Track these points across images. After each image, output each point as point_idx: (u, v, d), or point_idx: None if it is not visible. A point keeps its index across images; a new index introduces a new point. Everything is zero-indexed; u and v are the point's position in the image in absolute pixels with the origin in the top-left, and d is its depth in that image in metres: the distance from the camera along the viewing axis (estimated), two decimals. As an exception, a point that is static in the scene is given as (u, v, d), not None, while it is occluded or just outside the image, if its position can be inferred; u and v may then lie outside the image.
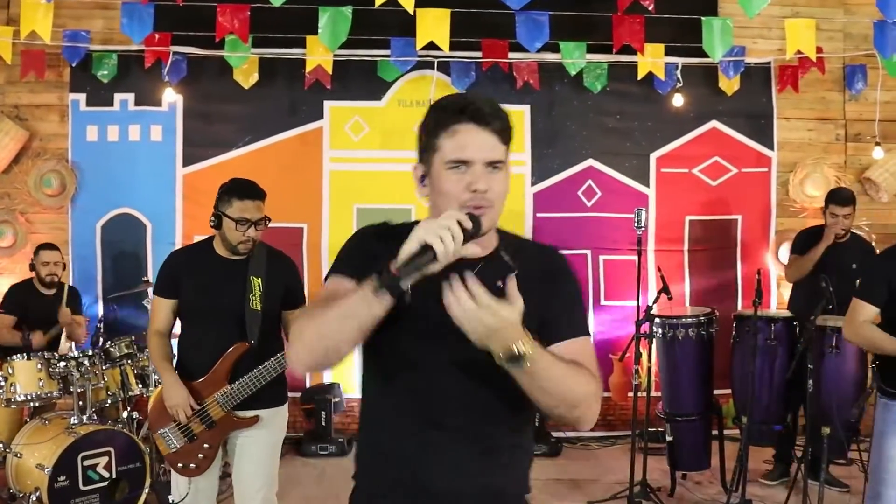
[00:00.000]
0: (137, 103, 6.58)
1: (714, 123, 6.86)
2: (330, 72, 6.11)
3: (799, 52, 5.51)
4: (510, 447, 1.90)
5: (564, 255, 2.01)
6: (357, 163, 6.73)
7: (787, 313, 5.44)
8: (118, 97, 6.56)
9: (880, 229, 6.86)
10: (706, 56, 6.05)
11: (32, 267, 5.67)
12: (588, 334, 1.93)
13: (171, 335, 3.71)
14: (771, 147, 6.92)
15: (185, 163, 6.63)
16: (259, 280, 3.56)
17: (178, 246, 6.59)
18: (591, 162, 6.84)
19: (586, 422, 1.80)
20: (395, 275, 1.62)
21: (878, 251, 5.57)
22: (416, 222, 1.80)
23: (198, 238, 6.49)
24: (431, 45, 5.87)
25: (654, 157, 6.87)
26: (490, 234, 1.88)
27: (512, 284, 1.64)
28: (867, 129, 6.90)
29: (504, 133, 1.84)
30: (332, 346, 1.76)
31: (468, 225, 1.67)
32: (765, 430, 5.21)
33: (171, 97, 6.32)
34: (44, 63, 6.23)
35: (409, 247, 1.65)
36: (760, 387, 5.08)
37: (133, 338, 5.48)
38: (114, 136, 6.59)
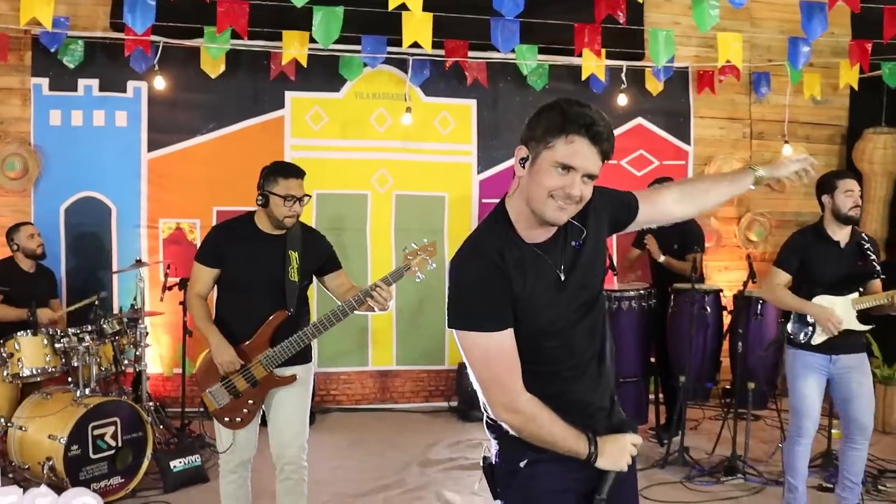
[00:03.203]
0: (102, 89, 6.73)
1: (640, 120, 7.65)
2: (305, 65, 6.46)
3: (728, 61, 6.31)
4: None
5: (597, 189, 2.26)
6: (317, 150, 7.11)
7: (716, 287, 6.25)
8: (82, 82, 6.68)
9: (778, 216, 7.87)
10: (634, 59, 6.80)
11: (16, 247, 5.78)
12: (632, 192, 2.46)
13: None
14: (688, 142, 7.78)
15: (150, 148, 6.83)
16: (296, 254, 3.90)
17: (143, 229, 6.82)
18: (531, 153, 7.46)
19: None
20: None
21: (703, 235, 6.41)
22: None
23: (163, 221, 6.82)
24: (391, 43, 6.44)
25: (588, 149, 7.55)
26: None
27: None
28: (769, 128, 7.89)
29: (607, 154, 2.05)
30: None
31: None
32: (698, 388, 6.00)
33: (160, 84, 6.57)
34: (7, 46, 6.30)
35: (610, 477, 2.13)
36: (695, 350, 5.83)
37: (122, 316, 5.73)
38: (77, 120, 6.71)
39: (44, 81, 6.65)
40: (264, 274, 3.86)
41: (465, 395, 7.13)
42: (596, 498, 2.10)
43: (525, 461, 2.18)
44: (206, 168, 6.89)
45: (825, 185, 4.41)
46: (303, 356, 3.93)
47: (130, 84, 6.72)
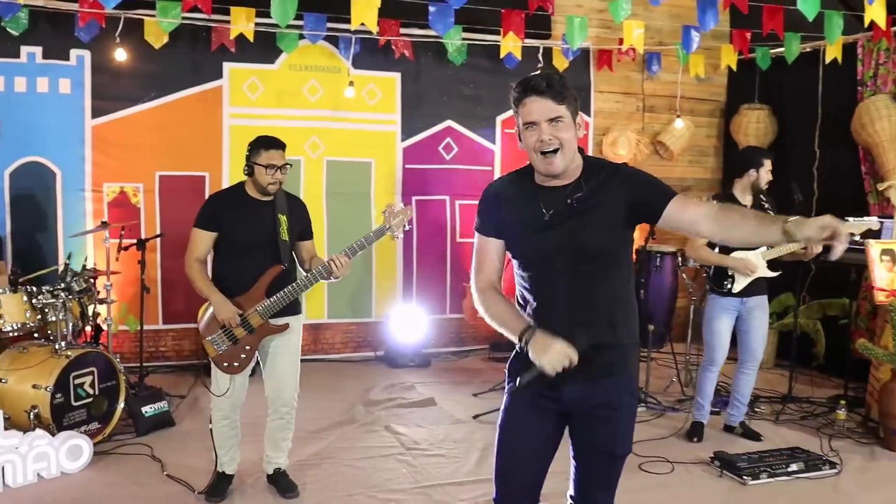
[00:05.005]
0: (45, 57, 6.91)
1: (548, 93, 8.40)
2: (252, 40, 6.89)
3: (630, 45, 7.14)
4: None
5: (622, 164, 2.73)
6: (253, 118, 7.53)
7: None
8: (25, 49, 6.84)
9: (665, 181, 8.83)
10: (542, 39, 7.61)
11: None
12: (676, 193, 2.63)
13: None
14: (589, 114, 8.64)
15: (94, 115, 7.09)
16: (284, 216, 4.42)
17: (88, 192, 7.12)
18: (449, 122, 8.22)
19: None
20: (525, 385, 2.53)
21: None
22: (515, 173, 2.77)
23: (107, 185, 7.15)
24: (330, 20, 6.97)
25: (499, 119, 8.38)
26: (574, 167, 2.61)
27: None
28: (659, 102, 8.87)
29: (558, 97, 2.50)
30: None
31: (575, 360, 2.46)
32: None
33: (121, 56, 6.85)
34: (-53, 13, 6.41)
35: (534, 370, 2.50)
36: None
37: (86, 274, 6.08)
38: (21, 87, 6.86)
39: (-15, 48, 6.80)
40: (259, 235, 4.36)
41: (390, 344, 7.84)
42: (518, 383, 2.53)
43: (511, 386, 2.78)
44: (148, 135, 7.22)
45: (753, 161, 5.27)
46: (294, 307, 4.45)
47: (73, 52, 6.94)
